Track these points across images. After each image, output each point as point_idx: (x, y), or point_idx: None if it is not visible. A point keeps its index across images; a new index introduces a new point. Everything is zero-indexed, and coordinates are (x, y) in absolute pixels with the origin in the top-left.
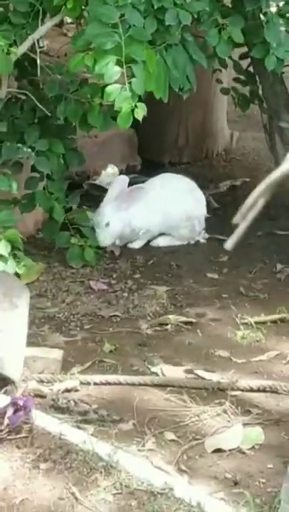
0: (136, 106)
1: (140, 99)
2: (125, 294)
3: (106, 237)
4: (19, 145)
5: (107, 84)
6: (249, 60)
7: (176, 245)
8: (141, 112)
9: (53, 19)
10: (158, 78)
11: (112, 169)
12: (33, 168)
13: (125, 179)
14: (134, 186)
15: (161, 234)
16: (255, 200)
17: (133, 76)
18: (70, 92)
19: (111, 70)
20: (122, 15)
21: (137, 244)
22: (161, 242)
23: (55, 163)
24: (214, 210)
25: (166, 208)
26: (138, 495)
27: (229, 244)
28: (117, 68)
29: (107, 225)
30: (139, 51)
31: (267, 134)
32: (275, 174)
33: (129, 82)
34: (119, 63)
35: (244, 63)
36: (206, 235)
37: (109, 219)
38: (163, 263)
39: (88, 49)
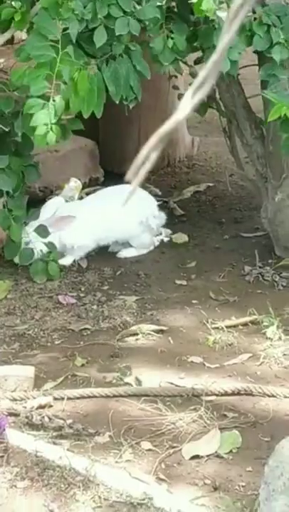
0: (51, 129)
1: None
2: (94, 307)
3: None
4: None
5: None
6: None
7: (144, 254)
8: (53, 137)
9: (4, 35)
10: (90, 96)
11: (74, 183)
12: None
13: (57, 202)
14: (63, 215)
15: (126, 246)
16: (148, 155)
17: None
18: None
19: (39, 83)
20: (66, 28)
21: (66, 261)
22: (126, 253)
23: (14, 180)
24: (179, 216)
25: (109, 221)
26: (118, 507)
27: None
28: (45, 83)
29: (27, 244)
30: (69, 71)
31: (227, 137)
32: (168, 125)
33: (54, 100)
34: (49, 78)
35: (199, 68)
36: (169, 232)
37: (31, 238)
38: (131, 273)
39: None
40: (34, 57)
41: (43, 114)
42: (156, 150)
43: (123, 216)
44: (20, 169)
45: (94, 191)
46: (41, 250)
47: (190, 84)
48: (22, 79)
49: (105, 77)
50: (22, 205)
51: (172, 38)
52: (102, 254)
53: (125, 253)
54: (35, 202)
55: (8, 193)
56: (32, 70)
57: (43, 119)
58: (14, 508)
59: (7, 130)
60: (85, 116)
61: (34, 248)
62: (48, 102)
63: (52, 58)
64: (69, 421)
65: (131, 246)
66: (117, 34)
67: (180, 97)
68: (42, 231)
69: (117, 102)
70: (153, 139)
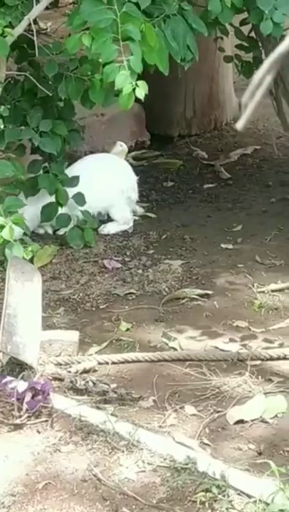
0: (136, 85)
1: (140, 77)
2: (140, 271)
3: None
4: (22, 127)
5: (107, 63)
6: (250, 25)
7: (189, 220)
8: (142, 91)
9: None
10: (159, 51)
11: (121, 146)
12: (33, 151)
13: None
14: None
15: (109, 220)
16: (263, 78)
17: (131, 54)
18: (70, 71)
19: (108, 48)
20: None
21: (106, 229)
22: (108, 229)
23: (58, 143)
24: (225, 180)
25: (91, 188)
26: (161, 472)
27: (239, 124)
28: (114, 46)
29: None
30: (135, 28)
31: (273, 99)
32: (280, 48)
33: (127, 60)
34: (116, 41)
35: (245, 29)
36: (142, 210)
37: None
38: (176, 237)
39: (85, 28)
40: (94, 23)
41: (123, 75)
42: (271, 73)
43: (105, 183)
44: (63, 134)
45: (141, 154)
46: (77, 217)
47: (236, 47)
48: (78, 46)
49: (166, 34)
50: (64, 170)
51: None
52: (147, 218)
53: (107, 229)
54: None
55: (51, 157)
56: (94, 35)
57: (126, 79)
58: (58, 472)
59: (50, 94)
60: (161, 69)
61: (70, 215)
62: (123, 64)
63: (112, 21)
64: (113, 385)
65: (111, 221)
66: None
67: (226, 59)
68: (79, 199)
69: (179, 61)
70: (266, 63)
